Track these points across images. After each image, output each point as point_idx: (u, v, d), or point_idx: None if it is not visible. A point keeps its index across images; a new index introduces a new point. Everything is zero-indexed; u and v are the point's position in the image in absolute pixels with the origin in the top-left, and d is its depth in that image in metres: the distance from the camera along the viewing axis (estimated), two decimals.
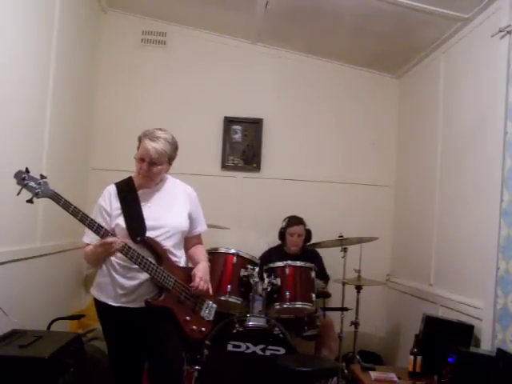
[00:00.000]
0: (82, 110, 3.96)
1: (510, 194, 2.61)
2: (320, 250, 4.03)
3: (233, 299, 3.29)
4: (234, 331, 3.15)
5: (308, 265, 3.47)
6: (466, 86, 3.26)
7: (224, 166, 4.42)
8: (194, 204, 2.48)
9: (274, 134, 4.45)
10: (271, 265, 3.46)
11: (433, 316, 3.09)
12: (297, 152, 4.48)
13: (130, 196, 2.32)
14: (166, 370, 2.28)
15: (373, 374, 2.96)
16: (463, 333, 2.80)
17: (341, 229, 3.59)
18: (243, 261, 3.40)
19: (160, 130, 2.33)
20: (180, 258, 2.40)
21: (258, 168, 4.44)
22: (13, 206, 2.58)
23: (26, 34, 2.76)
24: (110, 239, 2.12)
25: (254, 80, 4.46)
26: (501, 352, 2.37)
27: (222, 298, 3.24)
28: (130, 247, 2.19)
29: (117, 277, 2.27)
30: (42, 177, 2.05)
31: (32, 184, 2.01)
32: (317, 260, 3.87)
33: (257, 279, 3.34)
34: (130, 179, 2.39)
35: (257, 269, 3.42)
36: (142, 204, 2.32)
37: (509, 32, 2.69)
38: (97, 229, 2.13)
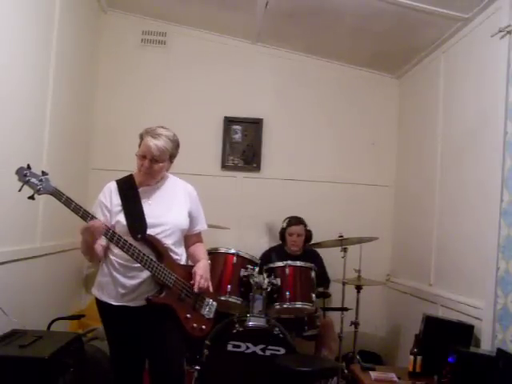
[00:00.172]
0: (82, 110, 3.96)
1: (510, 193, 2.61)
2: (320, 250, 4.03)
3: (233, 299, 3.29)
4: (234, 331, 3.15)
5: (308, 265, 3.47)
6: (466, 86, 3.26)
7: (224, 166, 4.42)
8: (194, 202, 2.48)
9: (274, 134, 4.45)
10: (271, 265, 3.46)
11: (433, 316, 3.09)
12: (297, 152, 4.48)
13: (130, 193, 2.32)
14: (167, 369, 2.28)
15: (373, 374, 2.96)
16: (463, 333, 2.80)
17: (341, 229, 3.59)
18: (243, 261, 3.40)
19: (162, 127, 2.33)
20: (181, 255, 2.41)
21: (257, 168, 4.44)
22: (13, 206, 2.58)
23: (25, 34, 2.76)
24: (91, 222, 2.10)
25: (253, 80, 4.46)
26: (501, 352, 2.37)
27: (222, 298, 3.25)
28: (131, 244, 2.19)
29: (118, 276, 2.27)
30: (44, 173, 2.05)
31: (34, 180, 2.00)
32: (317, 261, 3.87)
33: (257, 279, 3.34)
34: (130, 176, 2.40)
35: (257, 269, 3.42)
36: (142, 201, 2.32)
37: (509, 32, 2.69)
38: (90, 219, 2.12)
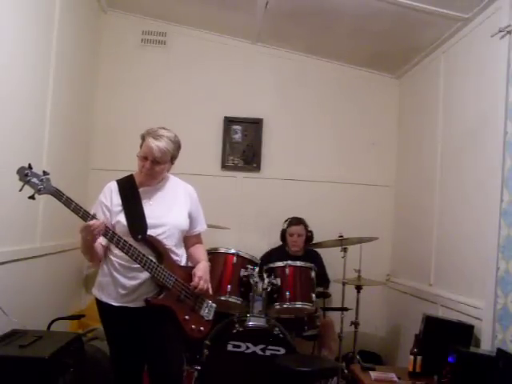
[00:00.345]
0: (82, 110, 3.96)
1: (510, 193, 2.61)
2: (320, 250, 4.03)
3: (233, 299, 3.29)
4: (234, 331, 3.15)
5: (308, 265, 3.47)
6: (466, 86, 3.26)
7: (224, 166, 4.42)
8: (194, 203, 2.48)
9: (274, 134, 4.45)
10: (271, 265, 3.46)
11: (433, 316, 3.09)
12: (297, 152, 4.48)
13: (131, 193, 2.32)
14: (166, 371, 2.28)
15: (373, 374, 2.96)
16: (463, 333, 2.80)
17: (341, 229, 3.59)
18: (243, 261, 3.40)
19: (163, 128, 2.33)
20: (181, 256, 2.41)
21: (258, 168, 4.44)
22: (13, 206, 2.58)
23: (25, 34, 2.76)
24: (90, 221, 2.09)
25: (254, 80, 4.46)
26: (501, 352, 2.37)
27: (222, 298, 3.25)
28: (131, 244, 2.19)
29: (118, 277, 2.27)
30: (45, 173, 2.05)
31: (34, 180, 2.00)
32: (317, 261, 3.86)
33: (257, 279, 3.34)
34: (131, 177, 2.39)
35: (257, 269, 3.42)
36: (143, 202, 2.32)
37: (509, 32, 2.69)
38: (88, 219, 2.11)
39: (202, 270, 2.40)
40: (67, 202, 2.06)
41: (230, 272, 3.34)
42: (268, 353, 3.12)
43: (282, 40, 4.37)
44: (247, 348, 3.13)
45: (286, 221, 4.04)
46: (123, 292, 2.26)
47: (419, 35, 3.63)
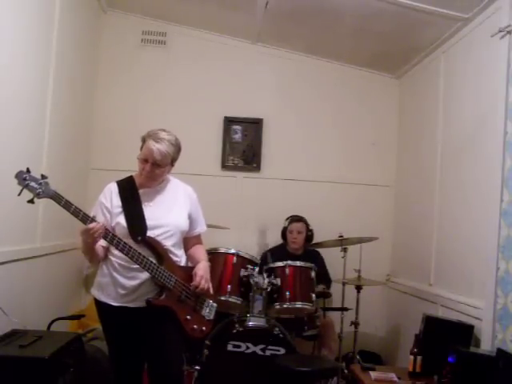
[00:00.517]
0: (82, 110, 3.96)
1: (510, 193, 2.61)
2: (320, 250, 4.03)
3: (233, 299, 3.29)
4: (234, 331, 3.15)
5: (308, 265, 3.47)
6: (465, 86, 3.26)
7: (224, 166, 4.42)
8: (194, 205, 2.48)
9: (274, 134, 4.45)
10: (271, 265, 3.46)
11: (433, 316, 3.09)
12: (297, 152, 4.48)
13: (131, 195, 2.32)
14: (166, 371, 2.28)
15: (373, 374, 2.96)
16: (463, 333, 2.80)
17: (341, 229, 3.59)
18: (243, 261, 3.40)
19: (164, 130, 2.33)
20: (180, 257, 2.41)
21: (257, 168, 4.44)
22: (13, 207, 2.58)
23: (26, 34, 2.76)
24: (91, 224, 2.10)
25: (254, 80, 4.46)
26: (501, 352, 2.37)
27: (222, 298, 3.24)
28: (131, 246, 2.19)
29: (117, 277, 2.27)
30: (43, 177, 2.05)
31: (33, 184, 2.00)
32: (318, 261, 3.86)
33: (257, 279, 3.34)
34: (131, 178, 2.40)
35: (257, 269, 3.42)
36: (142, 203, 2.32)
37: (509, 32, 2.69)
38: (86, 220, 2.11)
39: (203, 269, 2.41)
40: (66, 205, 2.06)
41: (229, 272, 3.34)
42: (268, 353, 3.12)
43: (282, 40, 4.37)
44: (247, 348, 3.13)
45: (287, 219, 4.05)
46: (123, 292, 2.26)
47: (419, 35, 3.63)
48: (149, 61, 4.39)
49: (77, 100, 3.78)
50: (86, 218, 2.11)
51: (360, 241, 3.54)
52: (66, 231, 3.30)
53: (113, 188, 2.35)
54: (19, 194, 1.99)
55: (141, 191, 2.35)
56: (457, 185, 3.29)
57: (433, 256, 3.55)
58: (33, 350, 2.19)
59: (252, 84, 4.46)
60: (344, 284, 3.50)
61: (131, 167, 2.41)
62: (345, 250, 3.53)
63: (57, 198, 2.05)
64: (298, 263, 3.46)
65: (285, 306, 3.32)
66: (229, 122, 4.43)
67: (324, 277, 3.86)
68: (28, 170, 2.01)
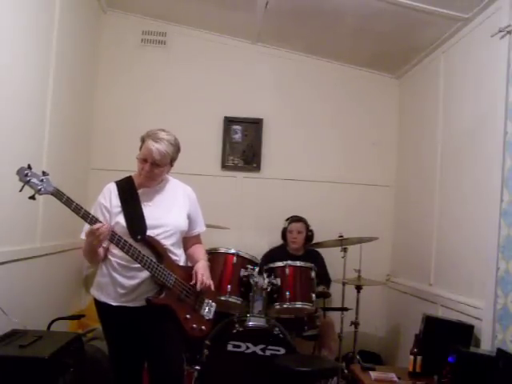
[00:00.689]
0: (82, 110, 3.96)
1: (510, 193, 2.61)
2: (320, 250, 4.03)
3: (233, 299, 3.29)
4: (234, 331, 3.15)
5: (308, 265, 3.47)
6: (465, 86, 3.26)
7: (224, 166, 4.42)
8: (193, 205, 2.48)
9: (274, 134, 4.45)
10: (271, 265, 3.46)
11: (433, 316, 3.09)
12: (297, 152, 4.48)
13: (130, 195, 2.33)
14: (167, 369, 2.28)
15: (373, 374, 2.96)
16: (463, 333, 2.80)
17: (341, 229, 3.59)
18: (243, 261, 3.40)
19: (163, 130, 2.33)
20: (180, 256, 2.41)
21: (257, 168, 4.44)
22: (13, 206, 2.58)
23: (26, 34, 2.76)
24: (96, 225, 2.10)
25: (254, 80, 4.46)
26: (501, 352, 2.37)
27: (222, 298, 3.24)
28: (131, 244, 2.19)
29: (117, 276, 2.27)
30: (45, 173, 2.05)
31: (34, 180, 2.00)
32: (318, 261, 3.87)
33: (257, 279, 3.34)
34: (130, 178, 2.40)
35: (257, 269, 3.42)
36: (142, 203, 2.32)
37: (509, 32, 2.69)
38: (92, 223, 2.12)
39: (202, 268, 2.42)
40: (68, 202, 2.06)
41: (229, 272, 3.34)
42: (268, 353, 3.12)
43: (282, 40, 4.37)
44: (247, 348, 3.13)
45: (287, 219, 4.06)
46: (122, 292, 2.26)
47: (419, 35, 3.63)
48: (149, 61, 4.39)
49: (77, 100, 3.78)
50: (87, 215, 2.11)
51: (360, 241, 3.54)
52: (66, 231, 3.31)
53: (112, 188, 2.36)
54: (21, 190, 1.99)
55: (140, 191, 2.35)
56: (457, 185, 3.29)
57: (433, 256, 3.55)
58: (33, 350, 2.19)
59: (252, 84, 4.46)
60: (344, 284, 3.50)
61: (131, 167, 2.41)
62: (345, 249, 3.53)
63: (58, 194, 2.05)
64: (298, 263, 3.46)
65: (285, 306, 3.32)
66: (229, 122, 4.43)
67: (324, 277, 3.86)
68: (29, 167, 2.01)
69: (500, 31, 2.74)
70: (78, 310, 3.72)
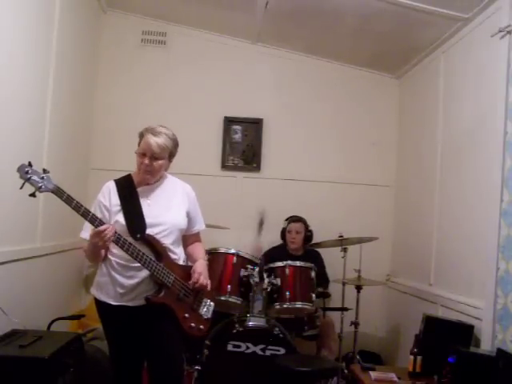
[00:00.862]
0: (82, 109, 3.97)
1: (510, 193, 2.61)
2: (320, 250, 4.03)
3: (233, 299, 3.29)
4: (234, 331, 3.15)
5: (308, 265, 3.47)
6: (465, 86, 3.26)
7: (224, 166, 4.42)
8: (192, 203, 2.49)
9: (274, 134, 4.45)
10: (271, 265, 3.46)
11: (433, 316, 3.09)
12: (297, 152, 4.48)
13: (129, 193, 2.33)
14: (166, 369, 2.28)
15: (373, 374, 2.96)
16: (463, 333, 2.80)
17: (341, 229, 3.60)
18: (243, 261, 3.39)
19: (161, 126, 2.35)
20: (179, 255, 2.41)
21: (257, 168, 4.44)
22: (13, 206, 2.58)
23: (25, 34, 2.76)
24: (102, 227, 2.11)
25: (254, 80, 4.46)
26: (501, 352, 2.37)
27: (222, 298, 3.24)
28: (130, 243, 2.19)
29: (116, 276, 2.27)
30: (45, 171, 2.05)
31: (35, 178, 2.00)
32: (317, 261, 3.86)
33: (257, 279, 3.34)
34: (129, 176, 2.40)
35: (257, 269, 3.42)
36: (141, 201, 2.32)
37: (509, 32, 2.69)
38: (98, 224, 2.13)
39: (201, 267, 2.42)
40: (68, 200, 2.06)
41: (229, 272, 3.34)
42: (268, 353, 3.12)
43: (282, 40, 4.37)
44: (247, 348, 3.13)
45: (286, 219, 4.06)
46: (122, 291, 2.26)
47: (419, 35, 3.63)
48: (149, 61, 4.39)
49: (77, 100, 3.79)
50: (87, 213, 2.11)
51: (360, 241, 3.55)
52: (66, 231, 3.31)
53: (111, 186, 2.36)
54: (21, 188, 1.99)
55: (139, 189, 2.35)
56: (457, 185, 3.29)
57: (433, 256, 3.55)
58: (33, 350, 2.19)
59: (252, 84, 4.46)
60: (344, 284, 3.50)
61: (131, 167, 2.41)
62: (345, 249, 3.54)
63: (58, 192, 2.05)
64: (298, 263, 3.46)
65: (285, 306, 3.32)
66: (229, 122, 4.43)
67: (322, 276, 3.86)
68: (30, 164, 2.01)
69: (500, 31, 2.74)
70: (78, 310, 3.72)
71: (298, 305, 3.33)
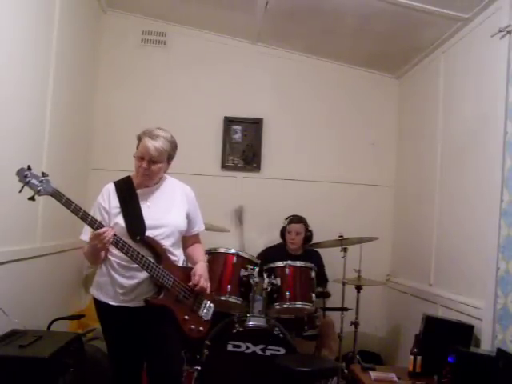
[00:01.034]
0: (82, 110, 3.96)
1: (510, 193, 2.61)
2: (320, 250, 4.03)
3: (233, 299, 3.29)
4: (234, 331, 3.15)
5: (308, 265, 3.47)
6: (465, 86, 3.26)
7: (224, 166, 4.42)
8: (192, 204, 2.48)
9: (274, 134, 4.45)
10: (271, 265, 3.46)
11: (433, 316, 3.09)
12: (297, 152, 4.48)
13: (129, 195, 2.33)
14: (166, 370, 2.28)
15: (373, 374, 2.96)
16: (463, 333, 2.80)
17: (341, 229, 3.60)
18: (243, 261, 3.40)
19: (159, 128, 2.34)
20: (179, 256, 2.41)
21: (258, 168, 4.44)
22: (13, 206, 2.58)
23: (26, 34, 2.76)
24: (101, 229, 2.11)
25: (253, 80, 4.46)
26: (501, 352, 2.37)
27: (222, 298, 3.24)
28: (130, 245, 2.19)
29: (116, 276, 2.27)
30: (44, 174, 2.05)
31: (34, 181, 2.01)
32: (316, 261, 3.85)
33: (257, 279, 3.34)
34: (128, 178, 2.40)
35: (257, 269, 3.42)
36: (141, 203, 2.32)
37: (509, 32, 2.69)
38: (97, 227, 2.13)
39: (201, 269, 2.42)
40: (67, 203, 2.07)
41: (229, 272, 3.34)
42: (268, 353, 3.12)
43: (281, 40, 4.37)
44: (247, 348, 3.13)
45: (286, 218, 4.04)
46: (121, 291, 2.26)
47: (419, 35, 3.63)
48: (149, 61, 4.39)
49: (77, 100, 3.78)
50: (86, 216, 2.11)
51: (360, 241, 3.55)
52: (66, 231, 3.31)
53: (111, 189, 2.36)
54: (20, 191, 1.99)
55: (139, 191, 2.35)
56: (457, 185, 3.29)
57: (433, 256, 3.55)
58: (33, 350, 2.19)
59: (252, 84, 4.46)
60: (344, 284, 3.50)
61: (131, 167, 2.40)
62: (345, 249, 3.53)
63: (57, 195, 2.06)
64: (298, 263, 3.46)
65: (285, 306, 3.32)
66: (229, 122, 4.43)
67: (321, 277, 3.85)
68: (29, 168, 2.02)
69: (500, 31, 2.74)
70: (78, 310, 3.72)
71: (298, 305, 3.33)
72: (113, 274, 2.28)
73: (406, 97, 4.43)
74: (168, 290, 2.28)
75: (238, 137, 4.45)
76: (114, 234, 2.17)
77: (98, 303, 2.33)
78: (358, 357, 3.58)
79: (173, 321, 2.30)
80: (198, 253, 2.55)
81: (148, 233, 2.27)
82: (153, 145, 2.25)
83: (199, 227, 2.56)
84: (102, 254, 2.27)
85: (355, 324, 3.58)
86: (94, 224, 2.13)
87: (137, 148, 2.32)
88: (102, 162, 4.17)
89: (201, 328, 2.39)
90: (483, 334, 2.72)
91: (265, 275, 3.39)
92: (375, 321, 4.33)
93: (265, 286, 3.32)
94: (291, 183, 4.43)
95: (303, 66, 4.50)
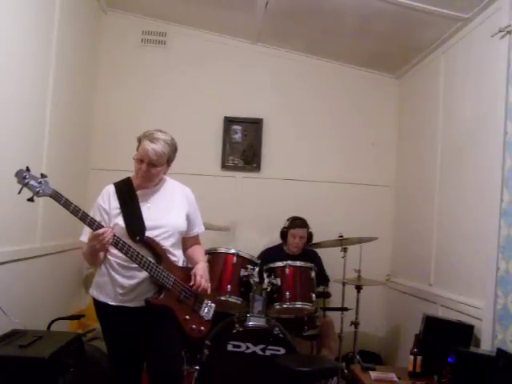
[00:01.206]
0: (82, 110, 3.96)
1: (510, 193, 2.61)
2: (320, 250, 4.03)
3: (233, 299, 3.29)
4: (234, 331, 3.15)
5: (308, 265, 3.47)
6: (465, 86, 3.26)
7: (224, 166, 4.42)
8: (191, 205, 2.49)
9: (274, 134, 4.45)
10: (271, 265, 3.46)
11: (433, 316, 3.09)
12: (297, 152, 4.48)
13: (128, 196, 2.33)
14: (166, 369, 2.28)
15: (373, 374, 2.96)
16: (463, 333, 2.80)
17: (341, 229, 3.60)
18: (243, 261, 3.40)
19: (160, 131, 2.33)
20: (178, 257, 2.41)
21: (258, 168, 4.44)
22: (13, 206, 2.58)
23: (26, 34, 2.76)
24: (100, 230, 2.11)
25: (253, 80, 4.46)
26: (501, 352, 2.37)
27: (222, 298, 3.24)
28: (130, 245, 2.19)
29: (116, 276, 2.27)
30: (43, 176, 2.06)
31: (33, 183, 2.01)
32: (316, 261, 3.85)
33: (257, 279, 3.34)
34: (128, 179, 2.40)
35: (257, 269, 3.42)
36: (140, 204, 2.32)
37: (509, 32, 2.69)
38: (96, 227, 2.13)
39: (202, 269, 2.42)
40: (66, 204, 2.07)
41: (229, 272, 3.34)
42: (268, 353, 3.12)
43: (281, 40, 4.37)
44: (247, 348, 3.13)
45: (288, 219, 4.01)
46: (121, 291, 2.26)
47: (419, 35, 3.63)
48: (149, 61, 4.38)
49: (77, 100, 3.78)
50: (85, 217, 2.11)
51: (360, 241, 3.54)
52: (66, 231, 3.30)
53: (110, 190, 2.36)
54: (19, 193, 2.00)
55: (139, 192, 2.35)
56: (457, 185, 3.29)
57: (433, 256, 3.55)
58: (33, 350, 2.19)
59: (252, 84, 4.46)
60: (344, 284, 3.50)
61: (131, 168, 2.40)
62: (345, 249, 3.53)
63: (56, 196, 2.06)
64: (298, 263, 3.46)
65: (285, 306, 3.32)
66: (229, 122, 4.43)
67: (322, 276, 3.85)
68: (28, 169, 2.02)
69: (500, 31, 2.74)
70: (78, 310, 3.72)
71: (298, 305, 3.33)
72: (112, 273, 2.28)
73: (406, 97, 4.43)
74: (168, 290, 2.28)
75: (238, 137, 4.45)
76: (114, 235, 2.17)
77: (97, 304, 2.33)
78: (358, 357, 3.58)
79: (173, 321, 2.30)
80: (198, 254, 2.56)
81: (148, 233, 2.27)
82: (152, 148, 2.25)
83: (199, 228, 2.56)
84: (101, 255, 2.28)
85: (355, 324, 3.58)
86: (93, 224, 2.13)
87: (137, 150, 2.32)
88: (102, 162, 4.16)
89: (202, 328, 2.40)
90: (483, 334, 2.72)
91: (265, 275, 3.39)
92: (375, 321, 4.33)
93: (265, 285, 3.32)
94: (291, 183, 4.43)
95: (303, 65, 4.50)
